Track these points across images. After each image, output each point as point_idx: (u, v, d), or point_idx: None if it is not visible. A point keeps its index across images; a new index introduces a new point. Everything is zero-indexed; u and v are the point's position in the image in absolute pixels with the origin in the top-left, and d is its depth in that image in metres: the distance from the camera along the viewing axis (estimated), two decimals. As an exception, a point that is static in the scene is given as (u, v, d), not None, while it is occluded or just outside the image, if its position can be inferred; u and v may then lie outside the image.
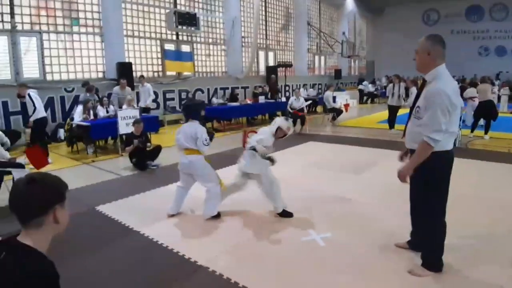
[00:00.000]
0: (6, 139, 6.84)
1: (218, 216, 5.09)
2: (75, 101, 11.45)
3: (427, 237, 3.55)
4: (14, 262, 1.46)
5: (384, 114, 13.47)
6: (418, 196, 3.56)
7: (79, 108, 9.80)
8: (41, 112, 8.38)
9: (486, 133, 10.82)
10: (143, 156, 7.81)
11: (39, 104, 8.34)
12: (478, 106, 10.99)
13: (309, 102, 13.79)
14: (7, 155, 6.21)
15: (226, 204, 5.58)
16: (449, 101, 3.06)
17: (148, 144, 8.05)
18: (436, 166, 3.26)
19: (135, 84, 13.03)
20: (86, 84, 10.81)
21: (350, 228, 4.69)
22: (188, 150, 5.01)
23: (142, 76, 12.65)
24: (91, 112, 9.90)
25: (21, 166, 5.93)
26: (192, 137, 4.92)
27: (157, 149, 8.09)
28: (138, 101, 12.59)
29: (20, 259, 1.47)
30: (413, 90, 11.46)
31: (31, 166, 7.38)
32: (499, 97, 18.24)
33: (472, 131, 11.00)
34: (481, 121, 11.21)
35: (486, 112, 10.83)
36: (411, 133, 3.43)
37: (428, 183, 3.34)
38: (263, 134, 5.08)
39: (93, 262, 3.90)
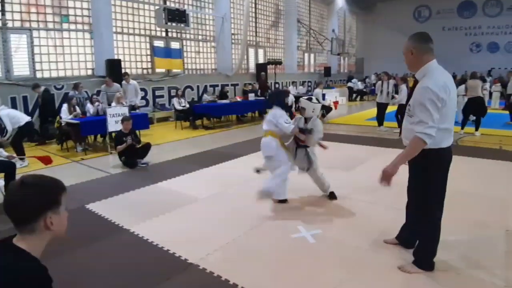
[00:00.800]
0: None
1: (285, 201, 5.42)
2: (65, 99, 11.38)
3: (422, 236, 3.57)
4: (5, 265, 1.45)
5: (373, 111, 13.55)
6: (416, 193, 3.61)
7: (65, 106, 9.75)
8: (17, 124, 7.78)
9: (476, 129, 10.87)
10: (132, 154, 7.79)
11: (8, 123, 7.54)
12: (468, 103, 10.97)
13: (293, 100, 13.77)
14: (4, 153, 6.18)
15: (216, 201, 5.62)
16: (436, 96, 3.03)
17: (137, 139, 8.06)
18: (434, 164, 3.29)
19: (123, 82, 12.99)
20: (77, 85, 10.77)
21: (340, 224, 4.74)
22: (265, 133, 5.45)
23: (126, 73, 12.51)
24: (78, 109, 9.84)
25: (12, 166, 5.90)
26: (270, 120, 5.33)
27: (147, 147, 8.06)
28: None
29: (13, 263, 1.46)
30: (403, 88, 11.52)
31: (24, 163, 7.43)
32: (490, 94, 18.38)
33: (462, 128, 11.00)
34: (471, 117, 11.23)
35: (476, 108, 10.82)
36: (405, 130, 3.43)
37: (426, 181, 3.38)
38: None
39: (83, 260, 3.90)
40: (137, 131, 8.58)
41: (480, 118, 10.87)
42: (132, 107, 11.33)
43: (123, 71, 13.20)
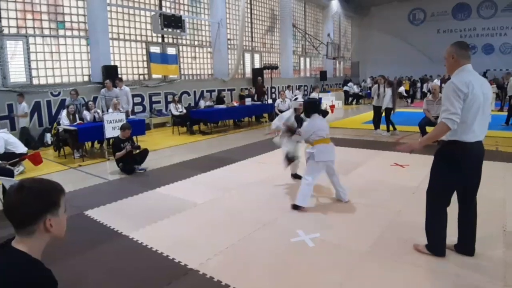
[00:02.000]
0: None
1: (297, 207, 5.37)
2: (62, 105, 11.39)
3: (430, 222, 3.84)
4: (8, 268, 1.47)
5: (369, 114, 13.58)
6: (429, 180, 3.85)
7: (64, 112, 9.76)
8: (11, 150, 7.38)
9: None
10: (130, 160, 7.79)
11: (2, 145, 7.20)
12: None
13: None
14: None
15: (215, 206, 5.63)
16: (456, 88, 3.40)
17: (136, 145, 8.08)
18: (451, 154, 3.58)
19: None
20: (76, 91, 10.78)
21: (339, 228, 4.74)
22: (328, 139, 5.56)
23: (120, 79, 12.17)
24: (77, 116, 9.85)
25: (10, 172, 5.90)
26: (327, 126, 5.65)
27: (144, 153, 8.06)
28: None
29: (15, 265, 1.48)
30: (388, 91, 11.58)
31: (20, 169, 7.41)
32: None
33: None
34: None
35: None
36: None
37: (438, 170, 3.70)
38: None
39: (82, 266, 3.90)
40: (133, 137, 8.59)
41: None
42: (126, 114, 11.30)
43: (119, 77, 13.20)
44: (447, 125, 3.40)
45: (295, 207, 5.35)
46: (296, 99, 6.24)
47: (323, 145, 5.41)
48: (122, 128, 7.98)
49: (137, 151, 7.95)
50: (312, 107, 5.72)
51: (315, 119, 5.59)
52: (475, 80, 3.49)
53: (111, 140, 8.74)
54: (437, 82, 22.66)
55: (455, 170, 3.57)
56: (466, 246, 3.85)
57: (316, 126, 5.51)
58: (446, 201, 3.71)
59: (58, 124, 9.63)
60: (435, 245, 3.82)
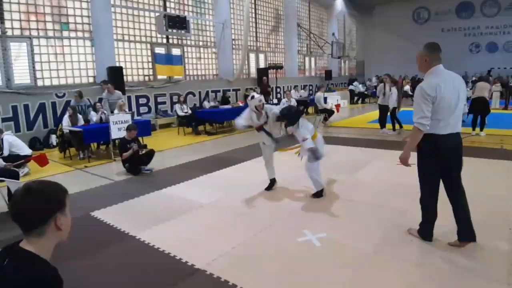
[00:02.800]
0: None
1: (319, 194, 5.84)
2: (67, 107, 11.41)
3: (422, 211, 4.17)
4: (17, 268, 1.47)
5: (375, 114, 13.53)
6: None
7: (66, 115, 9.79)
8: (16, 152, 7.61)
9: (481, 129, 10.93)
10: (136, 161, 7.79)
11: (7, 148, 7.46)
12: (473, 102, 10.99)
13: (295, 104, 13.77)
14: (1, 162, 6.20)
15: (221, 206, 5.62)
16: (424, 92, 3.70)
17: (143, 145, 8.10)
18: (426, 147, 3.87)
19: (126, 88, 13.03)
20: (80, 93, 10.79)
21: (345, 227, 4.72)
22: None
23: (104, 82, 11.93)
24: (81, 117, 9.88)
25: (15, 174, 5.91)
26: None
27: (151, 154, 8.06)
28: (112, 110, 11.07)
29: (23, 265, 1.49)
30: (394, 90, 11.57)
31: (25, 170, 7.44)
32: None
33: (473, 129, 11.01)
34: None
35: (480, 107, 10.88)
36: None
37: (420, 161, 4.00)
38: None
39: (89, 267, 3.90)
40: (139, 138, 8.59)
41: (484, 117, 10.89)
42: None
43: (125, 78, 13.24)
44: (418, 129, 3.77)
45: (318, 194, 5.74)
46: (252, 97, 6.22)
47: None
48: (128, 128, 8.00)
49: (144, 151, 7.95)
50: (297, 116, 5.86)
51: (304, 122, 5.83)
52: (444, 81, 3.74)
53: (116, 141, 8.75)
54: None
55: (435, 159, 3.88)
56: (466, 232, 4.02)
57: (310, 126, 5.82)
58: (433, 189, 4.01)
59: (63, 125, 9.64)
60: (426, 232, 4.16)
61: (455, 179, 4.01)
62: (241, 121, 6.46)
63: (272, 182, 6.49)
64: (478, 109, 10.91)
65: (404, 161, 4.00)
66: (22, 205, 1.53)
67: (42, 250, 1.56)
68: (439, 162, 3.88)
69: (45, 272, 1.52)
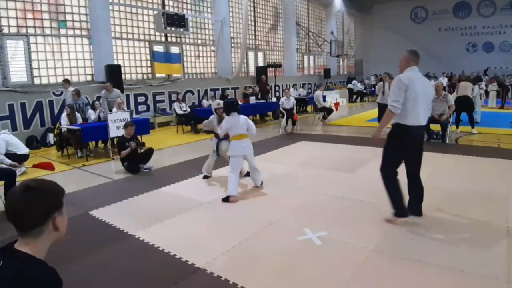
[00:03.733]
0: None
1: (227, 199, 5.85)
2: (64, 105, 11.37)
3: (390, 192, 4.64)
4: (15, 270, 1.44)
5: (374, 112, 13.52)
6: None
7: (64, 113, 9.75)
8: (13, 151, 7.64)
9: (472, 127, 11.05)
10: (135, 159, 7.76)
11: (3, 147, 7.45)
12: (456, 101, 11.10)
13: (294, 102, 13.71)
14: (7, 160, 6.18)
15: (221, 205, 5.60)
16: (400, 81, 4.38)
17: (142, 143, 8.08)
18: (395, 133, 4.53)
19: (124, 87, 12.99)
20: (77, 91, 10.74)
21: (346, 226, 4.71)
22: (243, 136, 6.08)
23: (66, 80, 11.17)
24: (80, 116, 9.84)
25: (13, 174, 5.88)
26: (244, 124, 6.08)
27: (149, 152, 8.02)
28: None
29: (21, 267, 1.45)
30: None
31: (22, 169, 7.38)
32: (487, 93, 18.49)
33: (457, 127, 11.20)
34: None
35: (463, 106, 10.98)
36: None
37: (386, 147, 4.64)
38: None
39: (89, 266, 3.86)
40: (139, 137, 8.56)
41: (471, 115, 11.00)
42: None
43: (123, 76, 13.19)
44: (390, 111, 4.41)
45: (226, 199, 5.73)
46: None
47: (236, 141, 6.03)
48: (125, 126, 7.98)
49: (142, 149, 7.91)
50: (229, 107, 6.32)
51: (232, 117, 6.13)
52: (417, 77, 4.47)
53: (115, 140, 8.71)
54: (441, 79, 22.66)
55: (400, 145, 4.52)
56: (415, 207, 4.74)
57: (230, 124, 6.07)
58: (395, 170, 4.64)
59: (61, 124, 9.60)
60: (399, 209, 4.57)
61: (417, 166, 4.70)
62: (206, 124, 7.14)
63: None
64: (461, 107, 10.99)
65: (375, 137, 4.71)
66: (21, 203, 1.49)
67: (38, 251, 1.53)
68: (404, 149, 4.54)
69: (45, 274, 1.49)
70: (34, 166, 6.52)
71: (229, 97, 16.57)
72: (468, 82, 11.68)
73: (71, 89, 10.64)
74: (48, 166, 6.38)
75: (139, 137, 8.84)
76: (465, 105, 10.98)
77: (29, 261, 1.48)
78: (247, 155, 6.13)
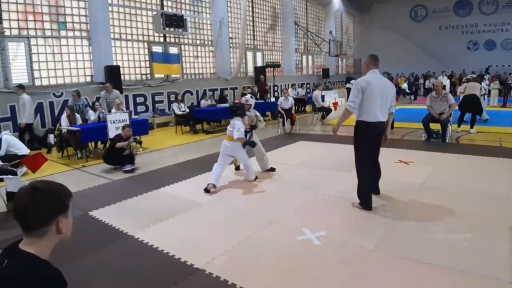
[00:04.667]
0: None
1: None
2: (64, 106, 11.39)
3: (358, 184, 5.27)
4: (19, 270, 1.47)
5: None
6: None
7: (64, 114, 9.76)
8: (13, 152, 7.65)
9: (471, 127, 11.05)
10: (117, 157, 7.91)
11: (4, 148, 7.53)
12: (463, 99, 11.21)
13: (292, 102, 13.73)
14: None
15: (220, 205, 5.61)
16: (358, 84, 4.99)
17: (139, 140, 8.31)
18: (359, 130, 5.17)
19: (123, 87, 13.01)
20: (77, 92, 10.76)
21: (344, 225, 4.73)
22: (231, 137, 6.55)
23: (20, 86, 10.34)
24: (79, 117, 9.86)
25: (13, 173, 5.90)
26: (234, 128, 6.48)
27: (132, 156, 8.15)
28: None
29: (25, 267, 1.48)
30: None
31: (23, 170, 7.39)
32: (489, 91, 18.49)
33: (459, 126, 11.17)
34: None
35: (471, 106, 11.05)
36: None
37: (356, 143, 5.23)
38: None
39: (88, 267, 3.88)
40: (136, 137, 8.57)
41: (475, 115, 11.00)
42: (28, 126, 10.40)
43: (122, 77, 13.20)
44: (347, 110, 5.05)
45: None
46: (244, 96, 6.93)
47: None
48: (124, 127, 8.09)
49: (132, 149, 8.08)
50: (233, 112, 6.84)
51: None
52: (375, 79, 5.01)
53: (99, 143, 8.74)
54: (441, 78, 22.73)
55: (365, 138, 5.14)
56: (375, 187, 5.61)
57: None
58: (369, 163, 5.27)
59: (61, 125, 9.62)
60: (366, 201, 5.17)
61: (376, 156, 5.47)
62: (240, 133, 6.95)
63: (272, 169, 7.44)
64: (467, 107, 11.08)
65: (334, 131, 5.35)
66: (26, 204, 1.52)
67: (42, 251, 1.56)
68: (369, 141, 5.17)
69: (48, 274, 1.52)
70: (22, 161, 6.58)
71: (227, 97, 16.62)
72: (476, 82, 11.75)
73: (25, 95, 10.28)
74: (36, 161, 6.38)
75: (137, 137, 8.84)
76: (472, 104, 11.01)
77: (32, 261, 1.51)
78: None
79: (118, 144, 7.75)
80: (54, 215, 1.56)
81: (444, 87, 24.05)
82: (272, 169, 7.37)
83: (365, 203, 5.16)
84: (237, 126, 6.43)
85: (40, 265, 1.52)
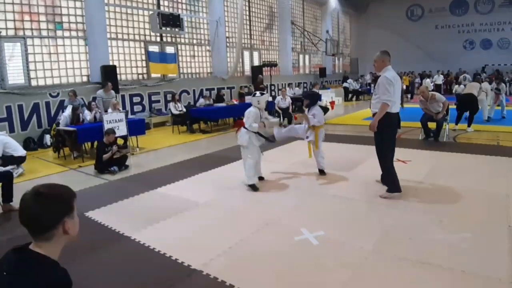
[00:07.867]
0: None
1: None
2: (60, 106, 11.36)
3: (385, 173, 5.73)
4: (27, 269, 1.50)
5: (369, 111, 13.51)
6: (377, 145, 5.65)
7: (67, 112, 9.69)
8: (10, 153, 7.38)
9: (469, 125, 11.08)
10: (110, 163, 7.87)
11: (0, 149, 7.20)
12: (461, 100, 11.28)
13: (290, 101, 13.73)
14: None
15: (217, 205, 5.59)
16: (389, 80, 5.26)
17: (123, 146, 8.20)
18: (387, 122, 5.37)
19: (120, 87, 12.96)
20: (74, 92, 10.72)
21: (343, 225, 4.70)
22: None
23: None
24: (80, 116, 9.83)
25: (10, 175, 5.86)
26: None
27: (123, 159, 8.15)
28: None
29: (33, 266, 1.51)
30: None
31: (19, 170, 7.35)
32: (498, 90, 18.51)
33: (456, 124, 11.23)
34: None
35: (468, 105, 11.12)
36: (373, 104, 5.59)
37: (383, 134, 5.46)
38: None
39: (84, 268, 3.83)
40: (134, 137, 8.54)
41: (472, 115, 11.05)
42: None
43: (118, 77, 13.16)
44: (387, 105, 5.26)
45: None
46: (254, 94, 6.62)
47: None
48: (107, 132, 7.99)
49: (122, 153, 8.06)
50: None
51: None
52: (395, 75, 5.43)
53: (95, 144, 8.68)
54: (437, 78, 22.78)
55: (392, 128, 5.50)
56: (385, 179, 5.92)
57: None
58: (393, 150, 5.59)
59: (57, 125, 9.56)
60: (395, 185, 5.52)
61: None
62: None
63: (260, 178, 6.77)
64: (464, 105, 11.18)
65: (372, 127, 5.45)
66: (32, 209, 1.54)
67: (51, 253, 1.59)
68: (395, 130, 5.59)
69: (57, 274, 1.56)
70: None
71: (224, 96, 16.60)
72: (476, 82, 12.05)
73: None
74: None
75: (134, 138, 8.83)
76: (468, 103, 11.08)
77: (42, 261, 1.54)
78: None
79: (105, 157, 7.71)
80: (59, 219, 1.59)
81: (439, 86, 23.95)
82: (261, 178, 6.76)
83: (397, 186, 5.51)
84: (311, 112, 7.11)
85: (49, 266, 1.56)
